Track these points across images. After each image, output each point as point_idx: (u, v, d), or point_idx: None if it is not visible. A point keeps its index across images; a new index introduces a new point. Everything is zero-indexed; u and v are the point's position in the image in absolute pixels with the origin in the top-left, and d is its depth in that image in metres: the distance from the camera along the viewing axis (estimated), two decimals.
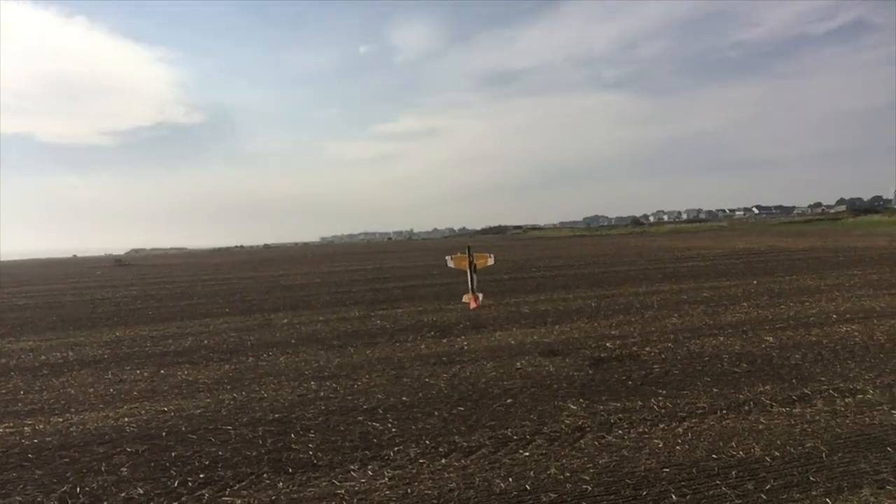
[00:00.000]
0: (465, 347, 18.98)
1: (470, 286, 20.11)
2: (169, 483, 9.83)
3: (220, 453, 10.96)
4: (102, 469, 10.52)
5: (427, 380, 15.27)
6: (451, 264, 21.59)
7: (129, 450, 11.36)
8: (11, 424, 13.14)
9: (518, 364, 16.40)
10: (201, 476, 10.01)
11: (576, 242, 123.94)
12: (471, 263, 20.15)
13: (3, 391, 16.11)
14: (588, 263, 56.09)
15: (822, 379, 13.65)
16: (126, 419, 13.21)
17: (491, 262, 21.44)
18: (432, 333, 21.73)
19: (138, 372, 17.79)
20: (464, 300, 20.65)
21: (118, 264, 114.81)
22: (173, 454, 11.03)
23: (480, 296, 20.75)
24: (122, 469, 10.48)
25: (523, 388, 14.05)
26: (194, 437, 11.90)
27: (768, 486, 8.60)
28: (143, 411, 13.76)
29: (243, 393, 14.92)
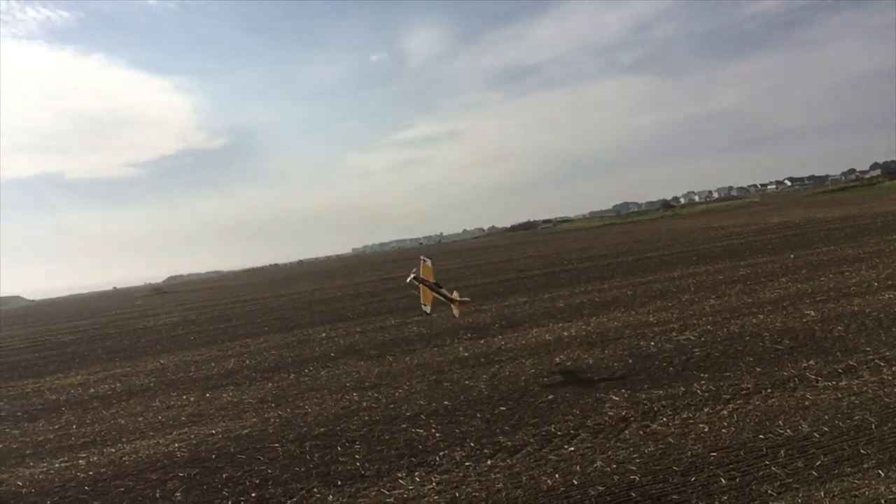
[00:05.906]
0: (503, 346, 19.00)
1: (444, 297, 17.84)
2: None
3: (269, 471, 11.14)
4: (157, 496, 10.77)
5: (467, 382, 15.33)
6: (427, 310, 17.92)
7: (181, 475, 11.60)
8: (66, 458, 13.50)
9: (557, 359, 16.38)
10: (253, 495, 10.18)
11: (606, 231, 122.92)
12: (433, 287, 17.80)
13: (56, 426, 16.55)
14: (620, 252, 55.68)
15: (868, 349, 13.42)
16: (176, 444, 13.50)
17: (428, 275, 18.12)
18: (469, 335, 21.78)
19: (185, 397, 18.14)
20: (424, 309, 18.06)
21: (157, 293, 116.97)
22: (224, 475, 11.24)
23: (455, 294, 18.04)
24: (175, 494, 10.71)
25: (564, 383, 14.04)
26: (243, 457, 12.11)
27: (818, 463, 8.49)
28: (192, 435, 14.04)
29: (287, 409, 15.14)
